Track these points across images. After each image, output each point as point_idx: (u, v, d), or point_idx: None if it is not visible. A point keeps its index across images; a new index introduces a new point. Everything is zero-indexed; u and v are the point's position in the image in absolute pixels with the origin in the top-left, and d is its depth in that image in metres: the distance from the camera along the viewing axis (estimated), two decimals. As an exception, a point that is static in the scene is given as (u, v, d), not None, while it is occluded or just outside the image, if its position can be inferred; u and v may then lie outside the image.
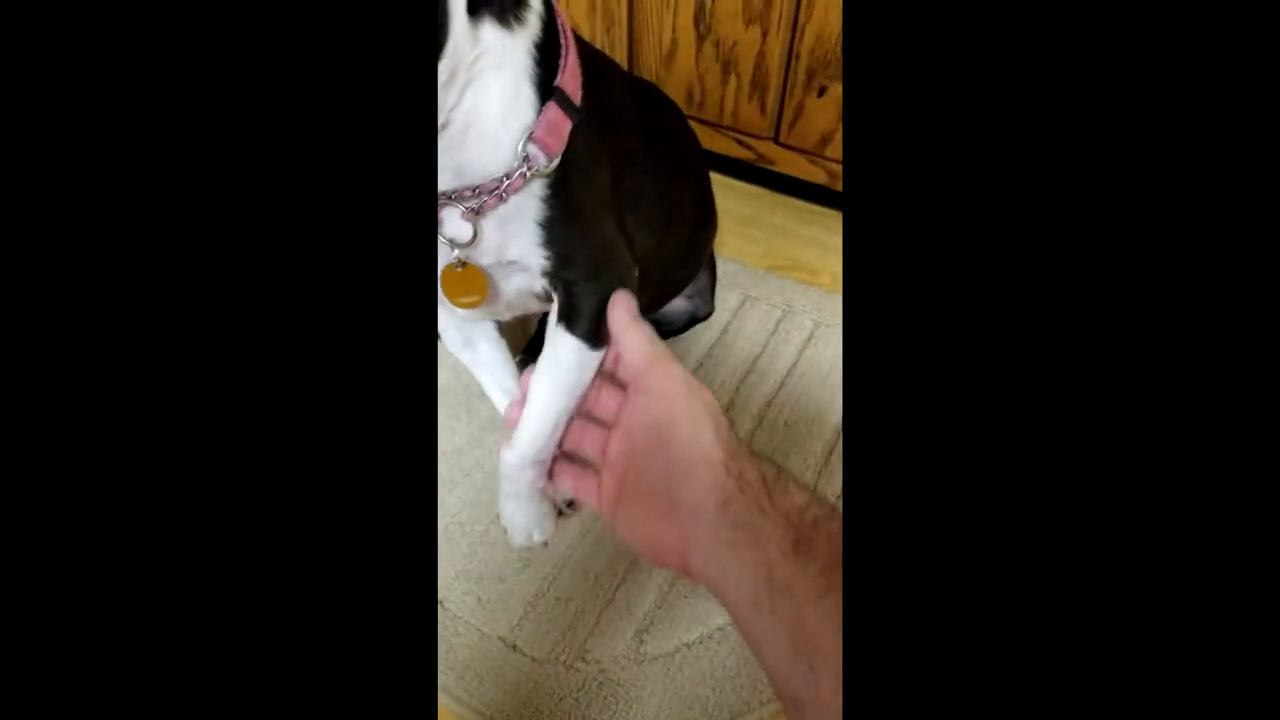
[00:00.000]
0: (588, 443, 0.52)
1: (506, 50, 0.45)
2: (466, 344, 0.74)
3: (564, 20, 0.49)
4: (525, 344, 0.92)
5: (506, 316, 0.67)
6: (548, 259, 0.52)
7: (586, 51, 0.54)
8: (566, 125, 0.48)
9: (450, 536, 0.81)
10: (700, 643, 0.72)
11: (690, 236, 0.81)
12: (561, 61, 0.47)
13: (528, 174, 0.46)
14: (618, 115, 0.59)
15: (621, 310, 0.50)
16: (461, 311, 0.59)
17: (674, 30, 1.10)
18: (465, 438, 0.90)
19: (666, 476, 0.43)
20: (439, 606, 0.76)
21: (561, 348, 0.53)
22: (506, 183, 0.46)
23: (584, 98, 0.50)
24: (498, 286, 0.55)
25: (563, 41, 0.47)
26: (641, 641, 0.72)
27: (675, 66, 1.13)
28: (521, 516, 0.65)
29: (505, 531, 0.68)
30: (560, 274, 0.53)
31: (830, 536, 0.39)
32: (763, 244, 1.19)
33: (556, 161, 0.47)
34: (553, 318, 0.54)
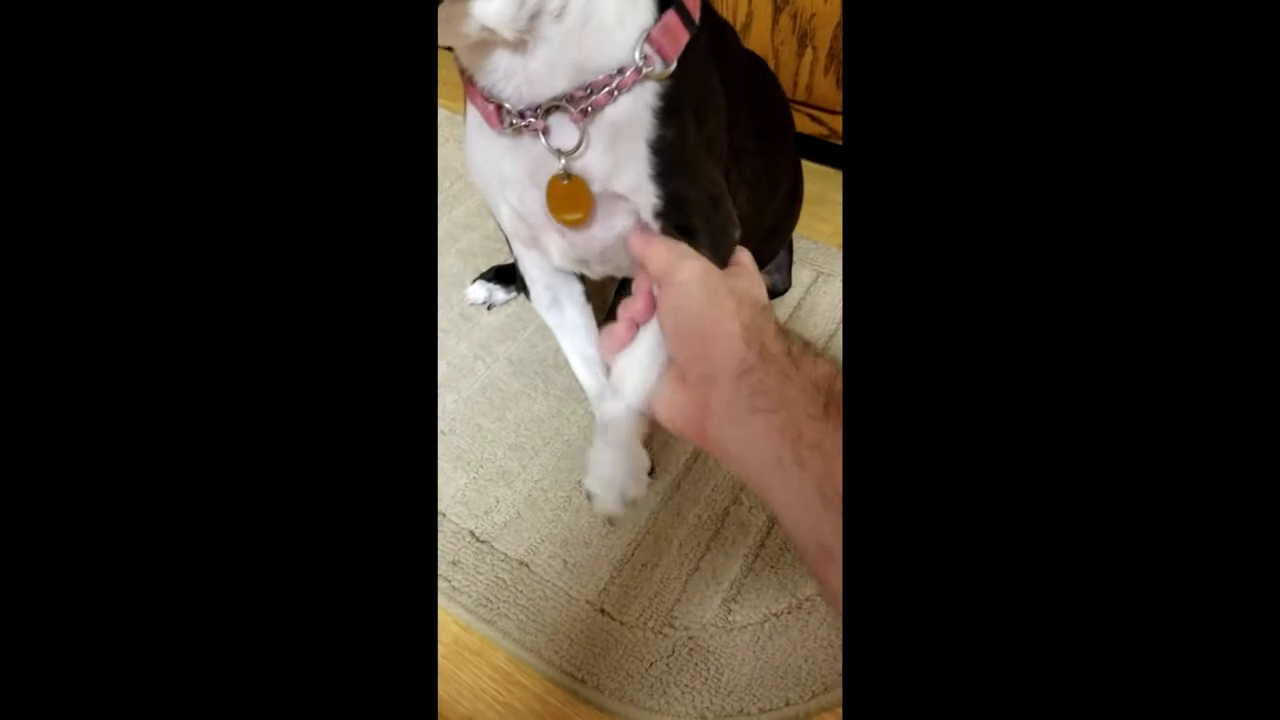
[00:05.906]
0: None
1: None
2: (554, 304, 0.74)
3: None
4: (603, 317, 0.92)
5: (598, 273, 0.66)
6: (659, 197, 0.52)
7: (709, 8, 0.54)
8: (684, 36, 0.49)
9: (534, 503, 0.81)
10: (789, 612, 0.72)
11: (784, 210, 0.80)
12: None
13: (642, 71, 0.47)
14: (731, 65, 0.59)
15: (637, 232, 0.52)
16: (555, 254, 0.60)
17: (750, 1, 1.09)
18: (544, 408, 0.90)
19: (689, 350, 0.46)
20: (525, 568, 0.76)
21: None
22: (619, 79, 0.47)
23: (701, 25, 0.50)
24: (599, 216, 0.55)
25: None
26: (730, 610, 0.73)
27: (750, 39, 1.12)
28: (620, 470, 0.61)
29: (591, 499, 0.64)
30: (674, 219, 0.53)
31: None
32: (831, 221, 1.18)
33: (672, 68, 0.48)
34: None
